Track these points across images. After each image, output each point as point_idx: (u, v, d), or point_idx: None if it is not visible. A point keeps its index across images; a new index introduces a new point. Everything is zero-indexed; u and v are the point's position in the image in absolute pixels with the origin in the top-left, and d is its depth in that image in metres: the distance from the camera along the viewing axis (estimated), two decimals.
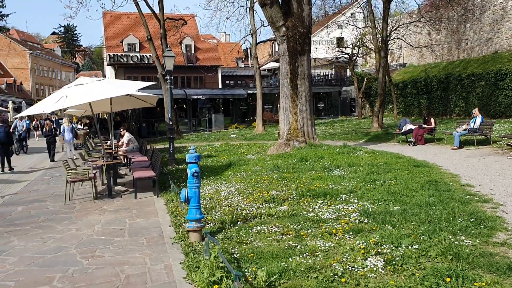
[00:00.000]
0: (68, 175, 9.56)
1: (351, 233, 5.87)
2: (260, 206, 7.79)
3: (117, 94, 9.55)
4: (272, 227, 6.47)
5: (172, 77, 14.89)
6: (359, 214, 6.77)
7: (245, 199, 8.31)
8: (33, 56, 66.53)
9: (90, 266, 5.49)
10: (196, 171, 6.23)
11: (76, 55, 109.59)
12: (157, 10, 26.51)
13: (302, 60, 15.16)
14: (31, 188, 11.93)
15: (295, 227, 6.35)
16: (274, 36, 34.43)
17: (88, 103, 10.21)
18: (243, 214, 7.32)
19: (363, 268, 4.77)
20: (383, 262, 4.84)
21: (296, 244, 5.56)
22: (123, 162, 15.17)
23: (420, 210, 6.73)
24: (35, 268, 5.50)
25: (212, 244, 5.38)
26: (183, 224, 7.00)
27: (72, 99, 9.21)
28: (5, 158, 15.64)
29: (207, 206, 7.98)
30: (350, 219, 6.53)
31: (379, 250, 5.19)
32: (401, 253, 5.05)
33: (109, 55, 40.81)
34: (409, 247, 5.21)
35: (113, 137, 14.48)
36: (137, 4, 25.28)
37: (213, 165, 13.54)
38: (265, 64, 47.56)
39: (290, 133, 14.98)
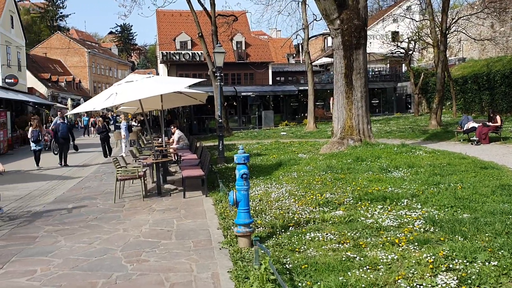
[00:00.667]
0: (118, 173, 9.48)
1: (416, 243, 5.27)
2: (314, 210, 7.31)
3: (166, 91, 9.36)
4: (327, 234, 5.97)
5: (222, 74, 14.64)
6: (423, 221, 6.13)
7: (297, 202, 7.86)
8: (91, 54, 69.01)
9: (135, 272, 5.23)
10: (245, 172, 5.85)
11: (132, 54, 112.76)
12: (208, 7, 26.49)
13: (358, 54, 14.45)
14: (84, 185, 12.04)
15: (352, 235, 5.82)
16: (327, 31, 33.59)
17: (139, 100, 10.11)
18: (295, 218, 6.87)
19: (433, 287, 4.20)
20: (457, 281, 4.24)
21: (355, 255, 5.04)
22: (173, 159, 15.10)
23: (494, 218, 6.00)
24: (79, 272, 5.31)
25: (262, 251, 4.97)
26: (232, 228, 6.65)
27: (122, 97, 9.10)
28: (63, 153, 16.25)
29: (257, 208, 7.59)
30: (414, 227, 5.92)
31: (451, 266, 4.58)
32: (477, 270, 4.42)
33: (162, 53, 41.43)
34: (486, 263, 4.56)
35: (163, 135, 14.42)
36: (188, 1, 25.33)
37: (262, 164, 13.16)
38: (316, 60, 46.71)
39: (344, 131, 14.34)
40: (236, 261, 5.30)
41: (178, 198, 9.51)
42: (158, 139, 18.55)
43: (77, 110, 9.94)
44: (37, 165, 15.78)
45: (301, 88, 34.89)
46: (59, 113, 39.60)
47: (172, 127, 17.23)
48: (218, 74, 14.50)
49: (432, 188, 7.99)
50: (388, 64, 43.29)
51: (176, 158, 14.82)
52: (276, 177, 10.58)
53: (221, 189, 9.42)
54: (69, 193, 10.84)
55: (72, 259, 5.79)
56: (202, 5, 26.21)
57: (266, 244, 5.69)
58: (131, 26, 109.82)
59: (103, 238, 6.69)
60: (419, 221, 6.17)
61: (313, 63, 35.74)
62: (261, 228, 6.53)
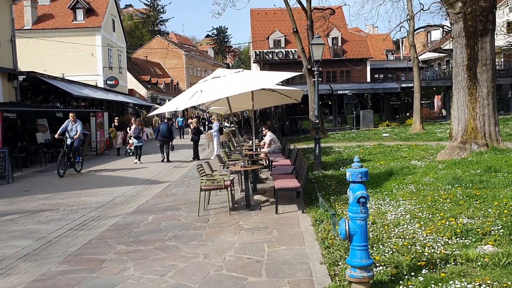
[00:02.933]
0: (202, 182, 8.28)
1: None
2: (449, 241, 5.45)
3: (256, 87, 7.99)
4: (480, 285, 4.13)
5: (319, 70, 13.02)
6: None
7: (423, 228, 6.02)
8: (188, 57, 70.91)
9: None
10: (363, 195, 4.23)
11: (227, 56, 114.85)
12: (304, 1, 25.01)
13: (484, 43, 12.00)
14: (170, 191, 11.10)
15: None
16: (431, 24, 30.36)
17: (226, 99, 8.86)
18: (426, 254, 5.08)
19: None
20: None
21: None
22: (264, 164, 13.80)
23: None
24: None
25: None
26: (340, 263, 5.04)
27: (207, 94, 7.90)
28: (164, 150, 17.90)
29: (370, 234, 5.87)
30: None
31: None
32: None
33: (255, 52, 40.74)
34: None
35: (254, 137, 13.11)
36: None
37: (369, 172, 11.31)
38: (419, 55, 43.06)
39: (466, 134, 11.98)
40: None
41: (269, 213, 8.08)
42: (249, 142, 17.42)
43: (159, 111, 8.92)
44: (139, 159, 17.55)
45: (403, 85, 32.02)
46: (180, 114, 40.59)
47: (263, 129, 15.93)
48: (315, 69, 12.89)
49: None
50: (503, 58, 38.54)
51: (267, 162, 13.45)
52: (388, 190, 8.73)
53: (320, 205, 7.83)
54: (153, 201, 9.91)
55: None
56: None
57: None
58: (227, 28, 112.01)
59: (179, 268, 5.42)
60: None
61: None
62: (380, 267, 4.84)
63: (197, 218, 8.00)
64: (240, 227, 7.21)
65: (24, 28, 35.46)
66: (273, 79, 8.27)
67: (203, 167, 8.77)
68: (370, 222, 6.54)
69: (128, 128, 20.75)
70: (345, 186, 9.87)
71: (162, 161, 17.67)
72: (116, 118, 23.39)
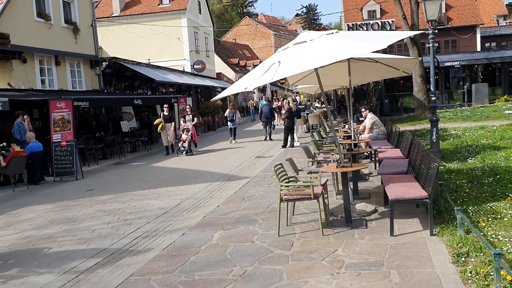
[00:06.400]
0: (281, 191, 6.02)
1: None
2: None
3: (361, 53, 5.51)
4: None
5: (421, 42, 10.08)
6: None
7: None
8: (276, 37, 68.74)
9: None
10: None
11: None
12: None
13: None
14: (247, 191, 9.03)
15: None
16: None
17: (315, 73, 6.48)
18: None
19: None
20: None
21: None
22: (365, 153, 11.23)
23: None
24: None
25: None
26: None
27: (287, 67, 5.59)
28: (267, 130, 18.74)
29: None
30: None
31: None
32: None
33: (347, 25, 37.36)
34: None
35: (351, 119, 10.49)
36: None
37: (510, 165, 8.33)
38: None
39: None
40: None
41: (380, 234, 5.63)
42: (344, 126, 14.81)
43: (224, 94, 6.74)
44: (234, 139, 19.03)
45: None
46: (263, 96, 39.36)
47: (362, 110, 13.25)
48: (430, 31, 9.94)
49: None
50: None
51: (372, 154, 10.84)
52: None
53: (459, 224, 5.22)
54: (225, 206, 7.89)
55: None
56: None
57: None
58: (316, 5, 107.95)
59: None
60: None
61: None
62: None
63: (277, 240, 5.80)
64: (339, 262, 4.87)
65: (112, 15, 35.59)
66: (383, 39, 5.72)
67: (283, 167, 6.50)
68: None
69: (182, 119, 17.68)
70: (482, 187, 7.09)
71: (265, 139, 18.74)
72: (166, 105, 17.34)
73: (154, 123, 17.56)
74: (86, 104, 14.79)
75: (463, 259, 4.47)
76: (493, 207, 6.05)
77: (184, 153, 16.08)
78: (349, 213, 6.18)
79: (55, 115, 12.94)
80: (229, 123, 19.37)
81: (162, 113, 17.14)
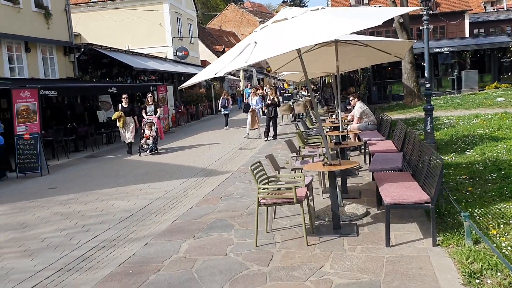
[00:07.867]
0: (259, 194, 5.16)
1: None
2: None
3: (349, 31, 4.64)
4: None
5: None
6: None
7: None
8: (262, 24, 67.52)
9: None
10: None
11: None
12: None
13: None
14: (225, 189, 8.17)
15: None
16: None
17: (299, 57, 5.62)
18: None
19: None
20: None
21: None
22: (354, 146, 10.41)
23: None
24: None
25: None
26: None
27: (263, 49, 4.71)
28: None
29: None
30: None
31: None
32: None
33: None
34: None
35: (339, 109, 9.64)
36: None
37: None
38: None
39: None
40: None
41: (374, 246, 4.81)
42: (331, 115, 13.98)
43: (192, 81, 5.84)
44: (226, 125, 19.51)
45: None
46: (248, 85, 38.13)
47: (350, 97, 12.43)
48: (425, 12, 9.11)
49: None
50: None
51: (361, 146, 10.01)
52: None
53: (467, 233, 4.42)
54: (199, 208, 7.03)
55: None
56: None
57: None
58: None
59: None
60: None
61: None
62: None
63: (254, 251, 4.96)
64: (326, 283, 4.03)
65: (91, 1, 34.14)
66: (377, 15, 4.85)
67: (262, 165, 5.62)
68: None
69: (143, 111, 14.85)
70: (486, 184, 6.33)
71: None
72: (124, 96, 14.26)
73: (112, 117, 14.75)
74: (54, 93, 13.68)
75: (476, 280, 3.67)
76: (502, 210, 5.27)
77: (148, 151, 13.67)
78: (337, 217, 5.35)
79: (18, 105, 11.91)
80: (222, 109, 19.98)
81: (120, 105, 14.20)
